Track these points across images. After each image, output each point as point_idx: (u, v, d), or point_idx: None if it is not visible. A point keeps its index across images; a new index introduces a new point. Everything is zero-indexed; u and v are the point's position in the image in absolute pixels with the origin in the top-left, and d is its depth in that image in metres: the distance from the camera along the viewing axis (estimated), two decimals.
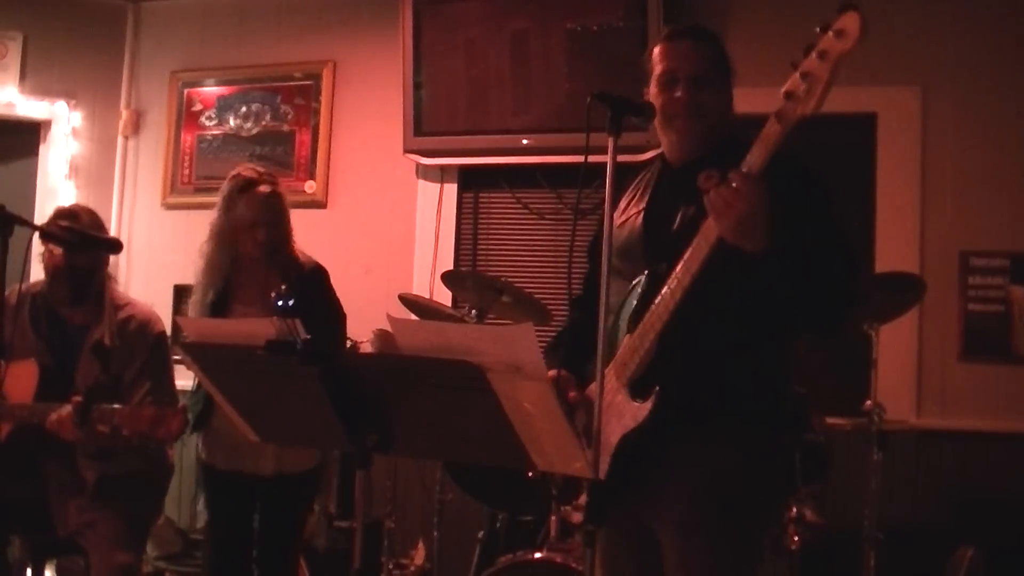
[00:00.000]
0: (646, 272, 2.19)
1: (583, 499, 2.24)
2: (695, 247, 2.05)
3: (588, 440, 2.10)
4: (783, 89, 1.96)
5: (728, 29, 4.23)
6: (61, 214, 3.32)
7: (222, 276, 3.33)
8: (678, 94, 2.24)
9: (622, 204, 2.38)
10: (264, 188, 3.32)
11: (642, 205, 2.32)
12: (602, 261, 2.02)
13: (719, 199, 1.97)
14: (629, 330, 2.17)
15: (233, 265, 3.34)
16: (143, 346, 3.31)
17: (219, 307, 3.28)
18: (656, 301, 2.12)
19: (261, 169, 3.44)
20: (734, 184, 1.95)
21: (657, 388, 2.10)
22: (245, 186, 3.31)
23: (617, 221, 2.33)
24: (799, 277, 2.02)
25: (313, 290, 3.33)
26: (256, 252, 3.31)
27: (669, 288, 2.09)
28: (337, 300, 3.43)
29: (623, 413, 2.13)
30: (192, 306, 3.36)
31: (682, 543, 2.15)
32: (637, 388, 2.14)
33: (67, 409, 2.99)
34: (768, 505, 2.33)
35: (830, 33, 1.89)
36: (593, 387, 2.13)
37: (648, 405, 2.10)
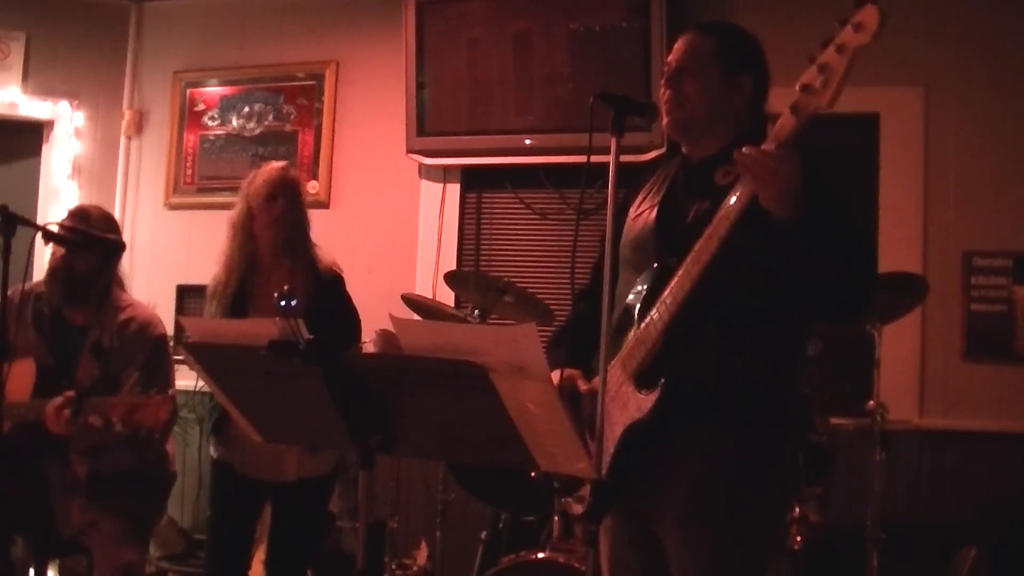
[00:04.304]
0: (655, 264, 2.19)
1: (584, 490, 2.23)
2: (705, 240, 2.04)
3: (589, 429, 2.11)
4: (800, 82, 1.95)
5: None
6: (71, 214, 3.31)
7: (238, 273, 3.28)
8: (663, 88, 2.28)
9: (639, 199, 2.38)
10: (281, 163, 3.42)
11: (658, 199, 2.32)
12: (612, 254, 2.02)
13: (763, 166, 1.93)
14: (636, 322, 2.17)
15: (250, 267, 3.30)
16: (142, 348, 3.28)
17: (235, 313, 3.22)
18: (664, 293, 2.11)
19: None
20: (774, 150, 1.94)
21: (663, 380, 2.09)
22: (263, 167, 3.39)
23: (633, 215, 2.33)
24: (829, 246, 1.99)
25: (333, 296, 3.33)
26: (273, 236, 3.27)
27: (678, 280, 2.08)
28: (354, 307, 3.42)
29: (627, 404, 2.12)
30: (207, 302, 3.32)
31: (686, 545, 2.14)
32: (643, 380, 2.13)
33: (57, 402, 2.98)
34: (773, 506, 2.31)
35: (849, 26, 1.91)
36: (597, 380, 2.13)
37: (653, 396, 2.09)
